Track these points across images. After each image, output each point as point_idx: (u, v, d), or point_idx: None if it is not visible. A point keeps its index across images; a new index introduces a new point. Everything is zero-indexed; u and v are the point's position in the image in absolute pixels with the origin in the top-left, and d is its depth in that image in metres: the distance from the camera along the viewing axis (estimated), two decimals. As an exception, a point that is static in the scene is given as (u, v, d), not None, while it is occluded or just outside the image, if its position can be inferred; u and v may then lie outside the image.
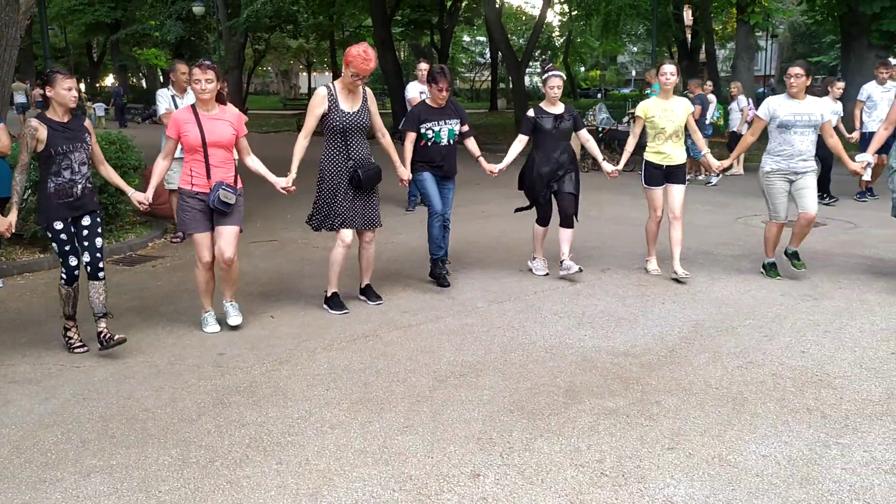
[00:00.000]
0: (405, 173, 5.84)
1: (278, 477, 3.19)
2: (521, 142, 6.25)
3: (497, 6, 24.23)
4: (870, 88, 10.31)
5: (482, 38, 48.38)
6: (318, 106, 5.25)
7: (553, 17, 37.82)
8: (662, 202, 6.31)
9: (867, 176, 6.01)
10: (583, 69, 54.05)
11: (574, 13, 31.22)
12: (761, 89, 34.53)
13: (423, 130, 5.96)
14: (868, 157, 6.27)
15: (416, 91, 9.68)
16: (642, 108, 6.29)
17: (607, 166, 6.34)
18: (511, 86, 27.98)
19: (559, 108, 6.20)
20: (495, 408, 3.83)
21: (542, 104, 6.25)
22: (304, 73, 57.35)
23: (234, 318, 5.14)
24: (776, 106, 6.05)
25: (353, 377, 4.28)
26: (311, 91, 35.52)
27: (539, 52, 39.10)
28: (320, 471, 3.24)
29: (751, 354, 4.53)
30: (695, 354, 4.55)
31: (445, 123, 5.99)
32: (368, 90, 5.44)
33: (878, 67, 10.63)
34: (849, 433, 3.49)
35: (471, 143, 6.15)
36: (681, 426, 3.59)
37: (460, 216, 9.39)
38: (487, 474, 3.18)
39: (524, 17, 42.76)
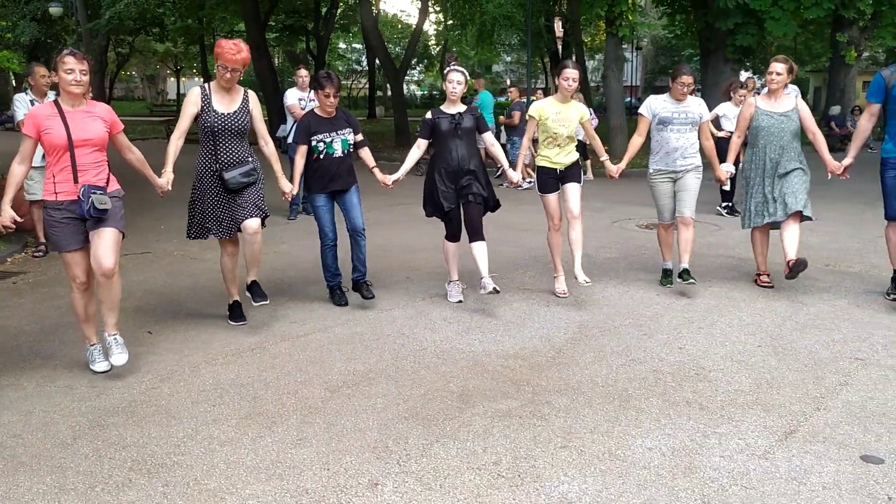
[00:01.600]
0: (286, 185, 5.40)
1: (165, 499, 3.04)
2: (419, 147, 5.82)
3: (373, 14, 24.24)
4: (726, 108, 10.06)
5: (359, 46, 48.29)
6: (190, 105, 4.98)
7: (429, 26, 38.28)
8: (559, 209, 6.00)
9: (728, 186, 6.23)
10: (458, 78, 54.94)
11: (450, 22, 31.70)
12: (627, 98, 36.14)
13: (314, 143, 5.56)
14: (730, 167, 6.36)
15: (294, 98, 9.52)
16: (536, 110, 5.90)
17: (512, 174, 5.95)
18: (390, 93, 28.00)
19: (459, 108, 5.72)
20: (390, 415, 3.80)
21: (442, 106, 5.81)
22: (173, 79, 55.20)
23: (119, 356, 4.34)
24: (656, 104, 6.08)
25: (241, 391, 4.13)
26: (179, 97, 34.27)
27: (416, 60, 39.45)
28: (210, 490, 3.11)
29: (633, 352, 4.72)
30: (581, 354, 4.69)
31: (338, 134, 5.62)
32: (251, 93, 5.19)
33: (736, 90, 10.25)
34: (725, 423, 3.70)
35: (365, 154, 5.82)
36: (571, 424, 3.69)
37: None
38: (385, 483, 3.15)
39: (400, 26, 42.99)
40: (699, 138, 6.14)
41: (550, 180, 5.94)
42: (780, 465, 3.26)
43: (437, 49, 40.45)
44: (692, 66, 36.70)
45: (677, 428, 3.64)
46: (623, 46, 28.75)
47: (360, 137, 5.79)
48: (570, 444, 3.48)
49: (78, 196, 4.19)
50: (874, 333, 5.01)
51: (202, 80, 38.25)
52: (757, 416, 3.77)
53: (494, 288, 5.46)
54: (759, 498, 3.01)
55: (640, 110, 6.24)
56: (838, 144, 18.90)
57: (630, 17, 17.25)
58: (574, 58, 36.48)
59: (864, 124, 5.86)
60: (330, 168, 5.60)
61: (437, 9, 31.34)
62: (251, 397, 4.05)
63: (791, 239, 5.88)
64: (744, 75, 24.62)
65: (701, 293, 6.05)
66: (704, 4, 17.18)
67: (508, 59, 53.77)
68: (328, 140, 5.59)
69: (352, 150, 5.73)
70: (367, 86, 42.11)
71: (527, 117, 6.05)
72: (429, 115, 5.84)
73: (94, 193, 4.18)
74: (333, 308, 5.70)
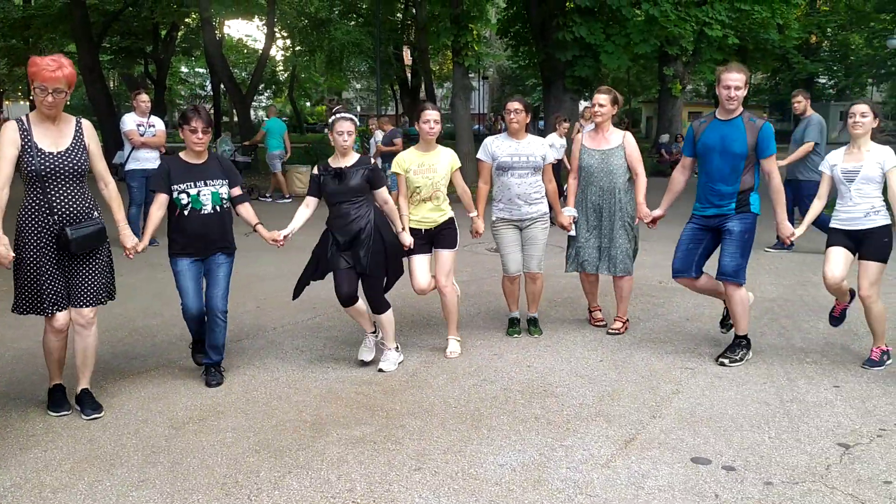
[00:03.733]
0: (130, 240, 4.28)
1: (-12, 558, 2.78)
2: (307, 206, 4.91)
3: (217, 38, 23.66)
4: (552, 138, 10.79)
5: (202, 70, 46.87)
6: (6, 145, 3.82)
7: (276, 52, 37.79)
8: (427, 273, 5.26)
9: (573, 231, 5.67)
10: (308, 104, 54.51)
11: (297, 48, 31.50)
12: (476, 126, 37.20)
13: (175, 194, 4.50)
14: (572, 210, 5.81)
15: (132, 123, 9.13)
16: (398, 163, 5.19)
17: (406, 238, 5.06)
18: (237, 119, 27.35)
19: (349, 160, 4.84)
20: (240, 450, 3.68)
21: (331, 158, 4.93)
22: (-4, 101, 51.15)
23: None
24: (495, 147, 5.52)
25: (76, 434, 3.87)
26: None
27: (263, 85, 38.79)
28: (41, 543, 2.88)
29: (484, 372, 4.84)
30: (434, 377, 4.75)
31: (207, 185, 4.54)
32: (85, 122, 4.11)
33: (560, 123, 11.23)
34: (570, 435, 3.86)
35: (246, 211, 4.76)
36: (425, 446, 3.72)
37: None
38: (236, 520, 3.05)
39: (246, 50, 42.10)
40: (542, 180, 5.60)
41: (417, 242, 5.13)
42: (620, 472, 3.44)
43: (286, 75, 39.99)
44: (535, 95, 38.32)
45: (527, 443, 3.76)
46: (470, 75, 29.63)
47: (237, 192, 4.72)
48: (424, 465, 3.51)
49: None
50: (702, 344, 5.41)
51: (28, 104, 35.72)
52: (600, 428, 3.96)
53: (398, 362, 5.00)
54: (603, 505, 3.16)
55: (478, 155, 5.63)
56: (668, 170, 20.35)
57: (476, 48, 17.87)
58: (423, 86, 37.14)
59: (677, 177, 5.46)
60: (196, 228, 4.53)
61: (285, 34, 31.10)
62: (87, 440, 3.80)
63: (622, 294, 5.80)
64: (583, 104, 26.12)
65: (547, 314, 6.30)
66: (544, 37, 18.05)
67: (358, 86, 54.07)
68: (193, 192, 4.51)
69: (226, 206, 4.65)
70: (211, 111, 40.95)
71: (393, 174, 5.30)
72: (315, 170, 4.96)
73: None
74: (177, 342, 5.46)
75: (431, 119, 5.08)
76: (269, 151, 14.75)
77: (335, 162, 4.87)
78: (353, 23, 28.88)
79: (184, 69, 49.17)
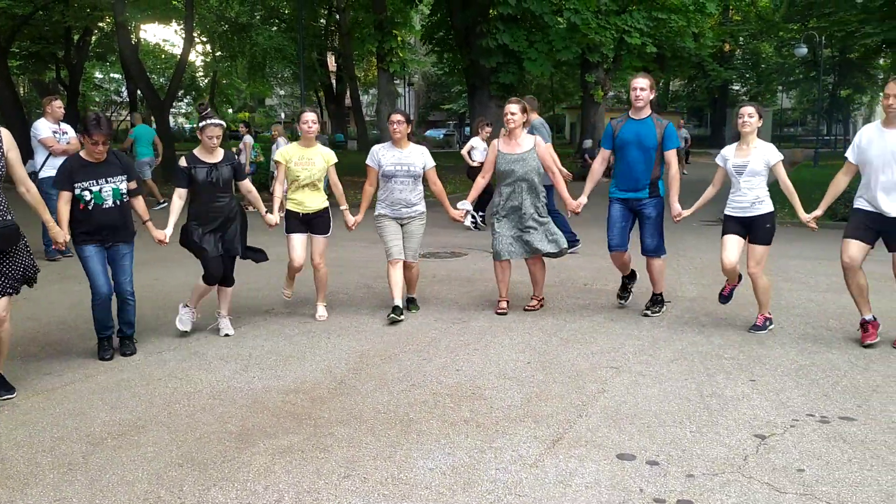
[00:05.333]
0: (61, 235, 4.82)
1: None
2: (179, 196, 5.53)
3: (133, 42, 23.00)
4: (475, 142, 11.70)
5: (118, 75, 45.44)
6: None
7: (196, 57, 36.96)
8: (303, 253, 6.15)
9: (468, 222, 6.36)
10: (231, 110, 53.45)
11: (218, 54, 30.90)
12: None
13: (78, 191, 4.94)
14: (467, 205, 6.56)
15: (47, 130, 8.79)
16: (281, 154, 6.09)
17: (270, 217, 5.94)
18: (155, 126, 26.61)
19: (217, 156, 5.58)
20: (162, 464, 3.57)
21: (196, 151, 5.62)
22: None
23: None
24: (381, 155, 6.20)
25: (-15, 455, 3.68)
26: None
27: (183, 91, 37.85)
28: (-53, 571, 2.73)
29: (413, 377, 4.83)
30: (363, 383, 4.72)
31: (108, 182, 5.03)
32: (4, 131, 4.35)
33: (482, 127, 11.88)
34: (500, 437, 3.88)
35: (138, 204, 5.32)
36: (354, 453, 3.69)
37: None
38: (158, 537, 2.95)
39: (164, 56, 40.96)
40: (428, 185, 6.37)
41: (295, 223, 6.12)
42: (548, 471, 3.48)
43: (206, 81, 39.10)
44: (461, 101, 38.48)
45: (456, 446, 3.77)
46: (395, 81, 29.61)
47: (133, 185, 5.24)
48: (353, 473, 3.48)
49: None
50: (626, 344, 5.54)
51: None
52: (528, 428, 4.00)
53: (226, 334, 5.76)
54: (532, 504, 3.19)
55: (367, 161, 6.30)
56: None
57: (401, 54, 17.89)
58: (349, 91, 36.94)
59: (597, 167, 6.40)
60: (99, 220, 5.01)
61: (205, 39, 30.46)
62: (-2, 460, 3.62)
63: (538, 275, 6.55)
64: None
65: (476, 317, 6.34)
66: (468, 44, 18.21)
67: (282, 92, 53.42)
68: (95, 189, 4.98)
69: (125, 199, 5.16)
70: (128, 118, 39.67)
71: (274, 162, 6.25)
72: (183, 161, 5.56)
73: None
74: (93, 355, 5.26)
75: (309, 120, 6.03)
76: (137, 159, 14.43)
77: (205, 157, 5.55)
78: (275, 28, 28.55)
79: (98, 75, 47.55)
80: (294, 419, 4.13)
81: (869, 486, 3.31)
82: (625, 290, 6.73)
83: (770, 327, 5.83)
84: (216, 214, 5.56)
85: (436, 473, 3.47)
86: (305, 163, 6.03)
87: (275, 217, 5.98)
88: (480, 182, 6.58)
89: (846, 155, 5.58)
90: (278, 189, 6.15)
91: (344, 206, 6.33)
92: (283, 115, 54.69)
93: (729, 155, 5.82)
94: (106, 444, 3.81)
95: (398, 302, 6.22)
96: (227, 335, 5.74)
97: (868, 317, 5.45)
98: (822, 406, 4.27)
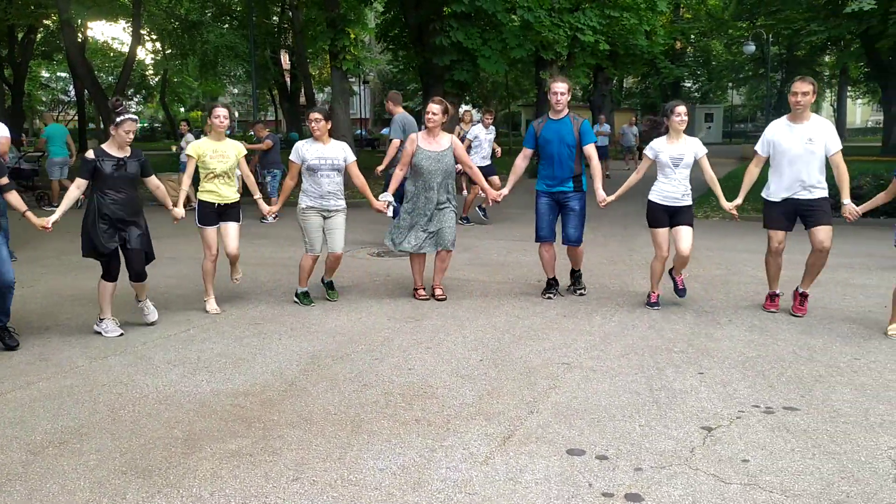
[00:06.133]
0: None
1: None
2: (78, 187, 5.57)
3: (79, 40, 22.48)
4: (477, 130, 12.16)
5: (65, 74, 44.38)
6: None
7: (146, 55, 36.24)
8: (217, 242, 6.39)
9: (390, 213, 6.75)
10: (182, 109, 52.54)
11: (168, 52, 30.33)
12: (358, 131, 37.06)
13: None
14: (388, 196, 6.84)
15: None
16: (194, 149, 6.28)
17: (176, 211, 6.16)
18: (102, 126, 26.02)
19: (125, 152, 5.63)
20: (104, 472, 3.48)
21: (104, 145, 5.66)
22: None
23: None
24: (304, 151, 6.46)
25: (-82, 467, 3.55)
26: None
27: (133, 90, 37.10)
28: None
29: (365, 377, 4.79)
30: (313, 384, 4.67)
31: None
32: None
33: (483, 114, 12.48)
34: (450, 435, 3.88)
35: (13, 198, 5.43)
36: (304, 456, 3.64)
37: (54, 269, 8.47)
38: (99, 547, 2.87)
39: (112, 54, 40.00)
40: (351, 180, 6.77)
41: (210, 213, 6.34)
42: (499, 469, 3.48)
43: (157, 79, 38.35)
44: (417, 99, 38.55)
45: (407, 446, 3.75)
46: (351, 80, 29.39)
47: (4, 181, 5.42)
48: (302, 475, 3.44)
49: None
50: (578, 339, 5.58)
51: None
52: (479, 426, 4.00)
53: (153, 322, 6.01)
54: (481, 502, 3.19)
55: (291, 157, 6.55)
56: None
57: (355, 52, 17.74)
58: (303, 90, 36.56)
59: (519, 163, 6.93)
60: None
61: (154, 37, 29.89)
62: (-69, 473, 3.50)
63: (441, 268, 6.97)
64: (463, 108, 26.44)
65: (429, 315, 6.32)
66: (422, 42, 18.15)
67: (236, 90, 52.71)
68: None
69: None
70: (76, 117, 38.76)
71: (185, 155, 6.57)
72: (90, 154, 5.63)
73: None
74: (36, 361, 5.13)
75: (221, 115, 6.29)
76: (50, 158, 14.16)
77: (114, 151, 5.61)
78: (227, 26, 28.11)
79: (45, 73, 46.37)
80: (243, 422, 4.07)
81: (811, 475, 3.38)
82: (550, 289, 7.03)
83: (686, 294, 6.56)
84: (120, 209, 5.58)
85: (386, 474, 3.45)
86: (220, 156, 6.27)
87: (181, 210, 6.18)
88: (399, 174, 6.91)
89: (756, 148, 6.25)
90: (185, 182, 6.36)
91: (258, 196, 6.72)
92: (237, 114, 53.98)
93: (662, 147, 6.26)
94: (47, 452, 3.70)
95: (306, 288, 6.74)
96: (153, 323, 6.01)
97: (779, 291, 6.33)
98: (767, 397, 4.35)
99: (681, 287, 6.50)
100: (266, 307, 6.63)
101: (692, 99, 50.80)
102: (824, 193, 5.98)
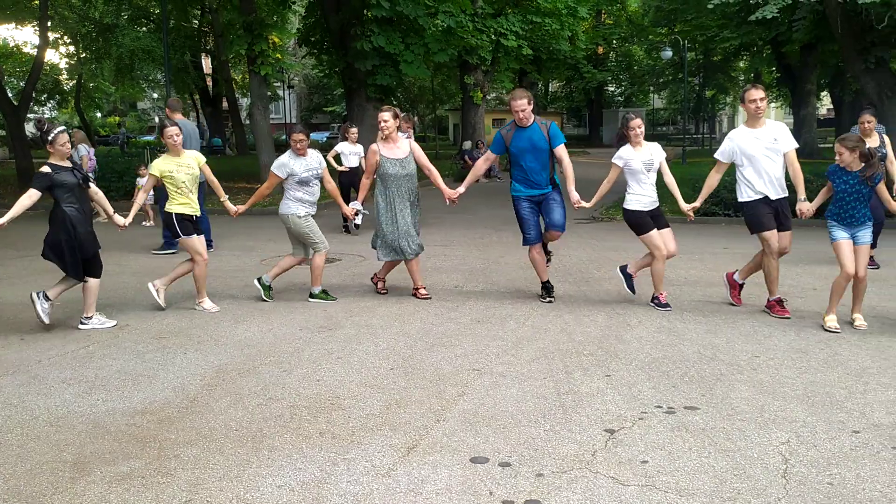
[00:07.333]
0: None
1: None
2: (30, 197, 5.80)
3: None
4: (343, 146, 11.99)
5: (-28, 79, 42.31)
6: None
7: (60, 59, 34.91)
8: (202, 248, 6.74)
9: (358, 220, 7.09)
10: (99, 115, 50.81)
11: (83, 56, 29.30)
12: (284, 136, 36.42)
13: None
14: (357, 205, 7.30)
15: None
16: (156, 168, 6.55)
17: (118, 218, 6.43)
18: (8, 133, 24.92)
19: (68, 163, 5.98)
20: (-17, 502, 3.29)
21: (51, 160, 5.89)
22: None
23: None
24: (293, 165, 6.78)
25: None
26: None
27: (46, 96, 35.69)
28: None
29: (271, 391, 4.68)
30: (216, 400, 4.53)
31: None
32: None
33: (347, 131, 12.26)
34: (354, 448, 3.81)
35: None
36: (199, 475, 3.52)
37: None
38: (-31, 584, 2.70)
39: (24, 58, 38.38)
40: (324, 185, 7.09)
41: (191, 225, 6.67)
42: (400, 480, 3.43)
43: (72, 84, 36.91)
44: (344, 104, 38.31)
45: (308, 461, 3.66)
46: (275, 84, 28.93)
47: None
48: (195, 496, 3.32)
49: None
50: (490, 345, 5.58)
51: None
52: (384, 437, 3.94)
53: (89, 326, 6.11)
54: (380, 516, 3.13)
55: (275, 169, 6.85)
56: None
57: (277, 56, 17.42)
58: (224, 94, 35.81)
59: (480, 164, 7.30)
60: None
61: (67, 40, 28.83)
62: None
63: (416, 271, 7.18)
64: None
65: (342, 323, 6.24)
66: (344, 46, 17.99)
67: (155, 95, 51.26)
68: None
69: None
70: (-12, 125, 37.04)
71: (149, 175, 6.69)
72: (46, 168, 5.83)
73: None
74: (-79, 384, 4.83)
75: (173, 134, 6.53)
76: None
77: (64, 163, 5.88)
78: (144, 28, 27.34)
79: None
80: (137, 443, 3.91)
81: (705, 473, 3.44)
82: (549, 293, 7.04)
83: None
84: (86, 216, 5.96)
85: (284, 490, 3.36)
86: (185, 167, 6.61)
87: (124, 220, 6.41)
88: (366, 182, 7.24)
89: (716, 156, 6.48)
90: (141, 197, 6.76)
91: (224, 198, 7.08)
92: (157, 119, 52.52)
93: (630, 155, 6.51)
94: (-80, 483, 3.48)
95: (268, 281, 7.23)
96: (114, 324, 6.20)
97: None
98: (670, 397, 4.42)
99: (633, 284, 6.86)
100: (173, 320, 6.42)
101: (615, 103, 51.95)
102: (786, 194, 6.28)
